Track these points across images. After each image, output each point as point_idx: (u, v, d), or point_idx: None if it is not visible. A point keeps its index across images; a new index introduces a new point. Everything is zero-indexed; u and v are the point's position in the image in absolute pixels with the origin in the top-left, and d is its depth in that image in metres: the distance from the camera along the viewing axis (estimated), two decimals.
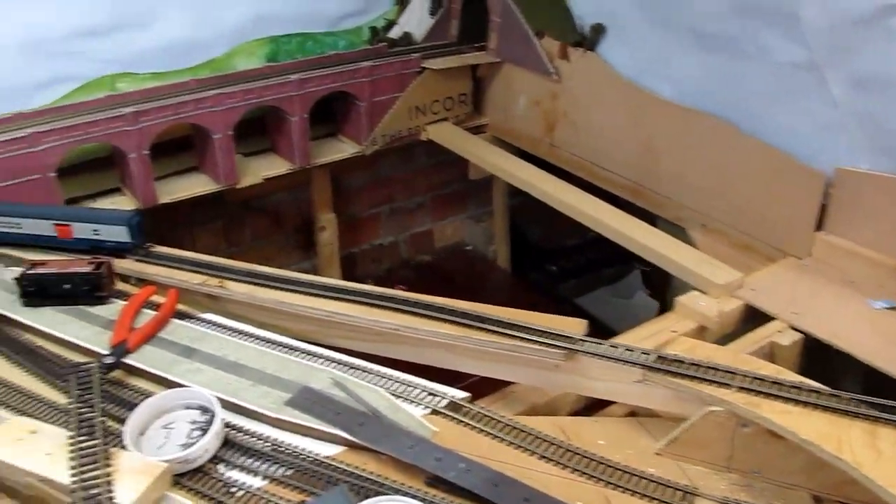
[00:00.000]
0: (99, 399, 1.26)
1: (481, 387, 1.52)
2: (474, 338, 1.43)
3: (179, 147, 2.49)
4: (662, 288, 3.09)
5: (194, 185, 2.42)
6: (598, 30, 2.39)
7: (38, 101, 2.40)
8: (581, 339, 1.39)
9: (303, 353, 1.47)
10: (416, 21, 2.96)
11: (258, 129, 2.60)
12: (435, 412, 1.35)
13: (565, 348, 1.37)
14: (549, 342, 1.39)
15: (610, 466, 1.24)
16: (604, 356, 1.35)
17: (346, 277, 2.96)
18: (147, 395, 1.37)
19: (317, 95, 2.48)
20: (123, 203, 2.32)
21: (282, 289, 1.65)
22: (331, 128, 2.76)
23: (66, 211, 1.87)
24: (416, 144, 2.90)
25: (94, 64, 2.47)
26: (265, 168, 2.53)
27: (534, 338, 1.40)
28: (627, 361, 1.33)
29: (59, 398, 1.38)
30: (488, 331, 1.44)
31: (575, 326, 1.44)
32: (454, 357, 1.47)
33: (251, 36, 2.72)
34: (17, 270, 1.69)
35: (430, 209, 3.42)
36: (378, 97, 2.61)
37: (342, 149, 2.70)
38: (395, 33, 2.93)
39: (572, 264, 3.58)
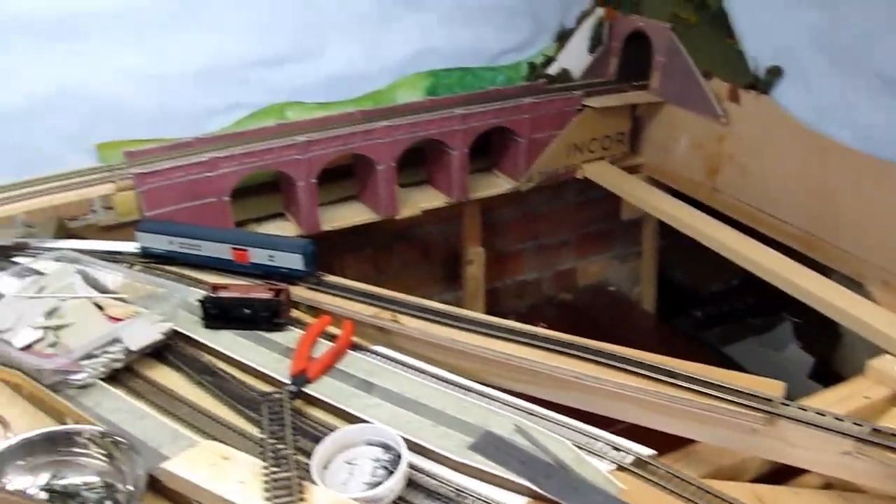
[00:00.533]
0: (290, 429, 1.27)
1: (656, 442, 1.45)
2: (666, 393, 1.37)
3: (336, 176, 2.53)
4: (820, 343, 2.93)
5: (354, 215, 2.46)
6: (775, 72, 2.30)
7: (211, 127, 2.49)
8: (782, 403, 1.31)
9: (481, 394, 1.44)
10: (575, 58, 2.94)
11: (411, 161, 2.61)
12: (620, 468, 1.29)
13: (766, 412, 1.29)
14: (748, 404, 1.31)
15: None
16: (810, 423, 1.27)
17: (489, 312, 2.93)
18: (328, 427, 1.37)
19: (479, 130, 2.48)
20: (287, 229, 2.38)
21: (455, 326, 1.63)
22: (485, 162, 2.76)
23: (243, 236, 1.91)
24: (567, 181, 2.86)
25: (265, 92, 2.54)
26: (423, 200, 2.54)
27: (731, 398, 1.32)
28: (837, 432, 1.24)
29: (241, 423, 1.39)
30: (680, 387, 1.37)
31: (773, 388, 1.35)
32: (639, 411, 1.41)
33: (413, 69, 2.75)
34: (197, 292, 1.73)
35: (575, 247, 3.37)
36: (537, 134, 2.59)
37: (497, 184, 2.70)
38: (553, 70, 2.91)
39: (718, 311, 3.44)
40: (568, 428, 1.36)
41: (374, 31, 2.63)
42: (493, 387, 1.49)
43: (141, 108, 2.42)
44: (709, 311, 3.43)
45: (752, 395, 1.33)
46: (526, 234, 3.23)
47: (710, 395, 1.35)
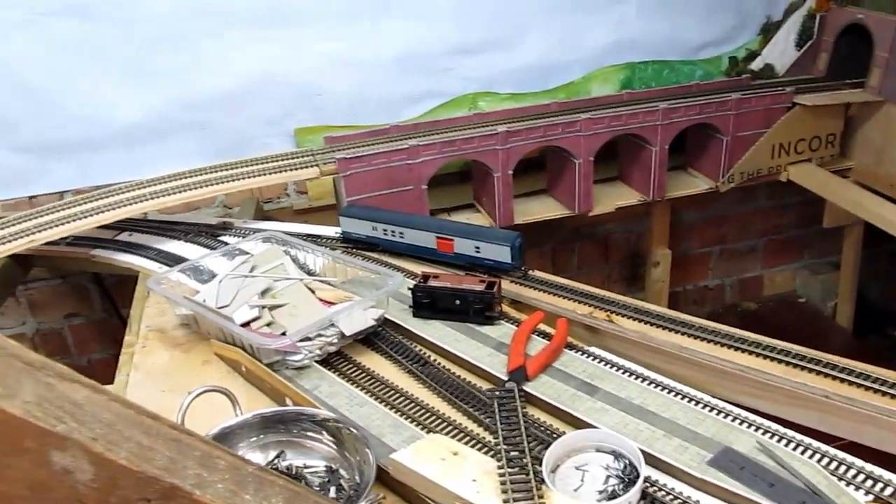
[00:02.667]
0: (523, 429, 1.21)
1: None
2: None
3: (525, 169, 2.47)
4: None
5: (546, 209, 2.40)
6: None
7: (406, 115, 2.50)
8: None
9: (713, 408, 1.34)
10: (779, 53, 2.77)
11: (600, 157, 2.51)
12: (878, 500, 1.16)
13: None
14: None
15: None
16: None
17: None
18: (551, 428, 1.30)
19: (680, 126, 2.36)
20: (478, 220, 2.34)
21: (678, 331, 1.54)
22: (678, 160, 2.63)
23: (448, 225, 1.88)
24: (759, 185, 2.70)
25: (460, 81, 2.52)
26: (617, 197, 2.45)
27: None
28: None
29: (460, 417, 1.35)
30: None
31: None
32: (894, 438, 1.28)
33: (608, 61, 2.67)
34: (405, 281, 1.71)
35: (762, 254, 3.18)
36: (741, 132, 2.44)
37: (693, 183, 2.57)
38: (755, 64, 2.75)
39: None
40: (816, 451, 1.24)
41: (572, 21, 2.56)
42: (721, 399, 1.38)
43: (339, 94, 2.45)
44: None
45: None
46: (712, 237, 3.08)
47: None
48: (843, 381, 1.35)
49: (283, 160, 2.21)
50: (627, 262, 3.00)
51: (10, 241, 1.94)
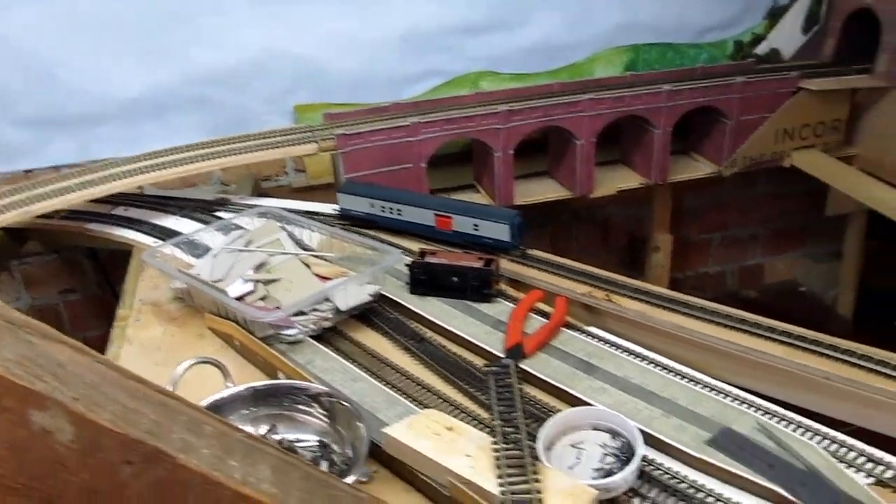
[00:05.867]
0: (520, 405, 1.19)
1: None
2: None
3: (526, 150, 2.45)
4: None
5: (546, 190, 2.37)
6: None
7: (408, 93, 2.47)
8: None
9: (712, 388, 1.32)
10: (786, 37, 2.74)
11: (603, 139, 2.48)
12: (881, 483, 1.14)
13: None
14: None
15: None
16: None
17: None
18: (548, 406, 1.29)
19: (684, 109, 2.34)
20: (479, 200, 2.32)
21: (679, 312, 1.52)
22: (681, 144, 2.61)
23: (447, 203, 1.86)
24: (762, 172, 2.67)
25: (463, 61, 2.50)
26: (619, 180, 2.43)
27: None
28: None
29: (455, 394, 1.33)
30: None
31: None
32: None
33: (612, 43, 2.63)
34: (402, 257, 1.69)
35: (763, 242, 3.16)
36: (746, 116, 2.42)
37: (696, 168, 2.54)
38: (761, 49, 2.72)
39: None
40: (816, 433, 1.22)
41: (578, 2, 2.52)
42: (721, 380, 1.36)
43: (340, 72, 2.43)
44: None
45: None
46: (714, 224, 3.06)
47: None
48: (844, 362, 1.33)
49: (281, 136, 2.18)
50: (628, 247, 2.98)
51: (3, 213, 1.92)
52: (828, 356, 1.34)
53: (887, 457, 1.18)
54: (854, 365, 1.32)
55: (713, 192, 2.96)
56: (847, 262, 2.94)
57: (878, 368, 1.30)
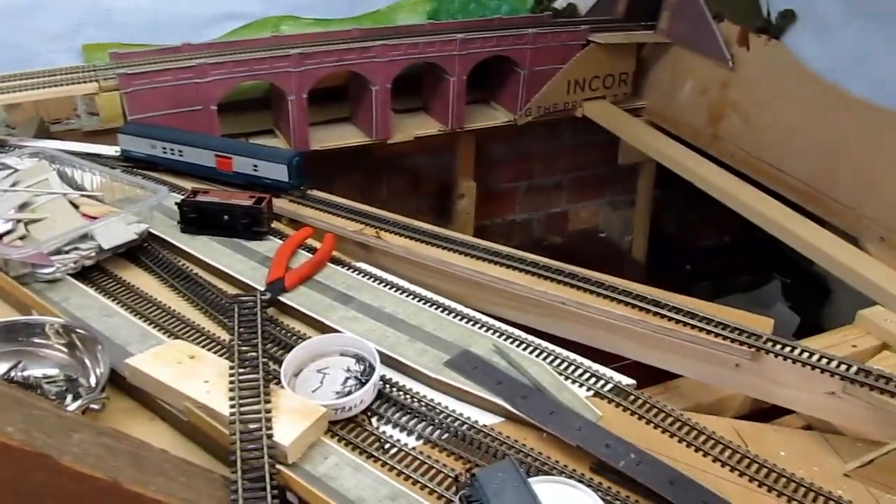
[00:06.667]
0: (260, 333, 1.22)
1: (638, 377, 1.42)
2: (652, 323, 1.33)
3: (330, 97, 2.46)
4: (808, 302, 2.91)
5: (345, 136, 2.40)
6: (788, 16, 2.22)
7: (205, 36, 2.42)
8: (771, 339, 1.27)
9: (461, 315, 1.40)
10: None
11: (408, 88, 2.53)
12: (598, 395, 1.25)
13: (753, 346, 1.26)
14: (735, 338, 1.27)
15: (794, 482, 1.11)
16: (797, 360, 1.23)
17: None
18: (301, 336, 1.32)
19: (479, 58, 2.41)
20: (276, 145, 2.31)
21: (441, 247, 1.59)
22: (481, 94, 2.69)
23: (228, 144, 1.85)
24: (563, 121, 2.80)
25: (262, 4, 2.46)
26: (417, 127, 2.48)
27: (717, 331, 1.29)
28: (824, 370, 1.21)
29: (212, 326, 1.35)
30: (666, 317, 1.33)
31: (761, 325, 1.32)
32: (622, 341, 1.38)
33: None
34: (177, 197, 1.68)
35: (567, 190, 3.31)
36: (538, 67, 2.52)
37: (494, 116, 2.63)
38: (559, 3, 2.82)
39: (707, 266, 3.40)
40: (547, 353, 1.32)
41: None
42: (477, 310, 1.44)
43: (133, 12, 2.34)
44: (698, 266, 3.39)
45: (739, 329, 1.29)
46: (519, 173, 3.16)
47: (697, 327, 1.31)
48: (580, 289, 1.44)
49: (62, 74, 2.09)
50: (436, 196, 3.05)
51: None
52: (566, 283, 1.46)
53: (608, 372, 1.30)
54: (588, 291, 1.43)
55: (518, 141, 3.05)
56: (639, 210, 3.13)
57: (608, 293, 1.41)
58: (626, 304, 1.38)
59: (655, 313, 1.35)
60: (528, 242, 3.30)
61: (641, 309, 1.36)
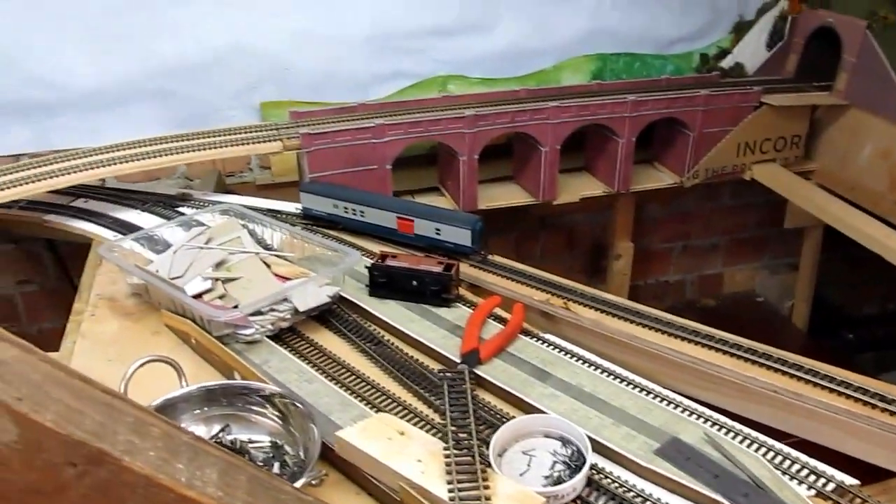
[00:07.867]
0: (472, 411, 1.20)
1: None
2: (877, 419, 1.24)
3: (491, 155, 2.46)
4: None
5: (511, 196, 2.39)
6: None
7: (375, 94, 2.47)
8: None
9: (663, 398, 1.34)
10: (750, 52, 2.78)
11: (567, 147, 2.49)
12: (821, 495, 1.17)
13: None
14: None
15: None
16: None
17: None
18: (499, 412, 1.30)
19: (648, 119, 2.36)
20: (443, 203, 2.33)
21: (634, 322, 1.54)
22: (644, 154, 2.64)
23: (409, 206, 1.86)
24: (724, 183, 2.72)
25: (430, 63, 2.51)
26: (582, 187, 2.45)
27: None
28: None
29: (408, 397, 1.34)
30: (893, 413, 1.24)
31: None
32: (840, 435, 1.29)
33: (580, 51, 2.66)
34: (363, 259, 1.70)
35: (723, 252, 3.21)
36: (708, 128, 2.45)
37: (659, 178, 2.58)
38: (726, 63, 2.76)
39: (872, 335, 3.21)
40: (762, 445, 1.25)
41: (547, 8, 2.54)
42: (674, 391, 1.38)
43: (308, 70, 2.42)
44: (861, 334, 3.21)
45: None
46: (675, 233, 3.09)
47: None
48: (792, 376, 1.36)
49: (245, 133, 2.17)
50: (590, 254, 3.01)
51: None
52: (776, 370, 1.37)
53: (829, 470, 1.21)
54: (801, 379, 1.35)
55: (677, 202, 2.99)
56: (802, 274, 2.99)
57: (824, 383, 1.33)
58: (846, 396, 1.29)
59: (882, 409, 1.26)
60: (681, 304, 3.21)
61: (864, 403, 1.27)
